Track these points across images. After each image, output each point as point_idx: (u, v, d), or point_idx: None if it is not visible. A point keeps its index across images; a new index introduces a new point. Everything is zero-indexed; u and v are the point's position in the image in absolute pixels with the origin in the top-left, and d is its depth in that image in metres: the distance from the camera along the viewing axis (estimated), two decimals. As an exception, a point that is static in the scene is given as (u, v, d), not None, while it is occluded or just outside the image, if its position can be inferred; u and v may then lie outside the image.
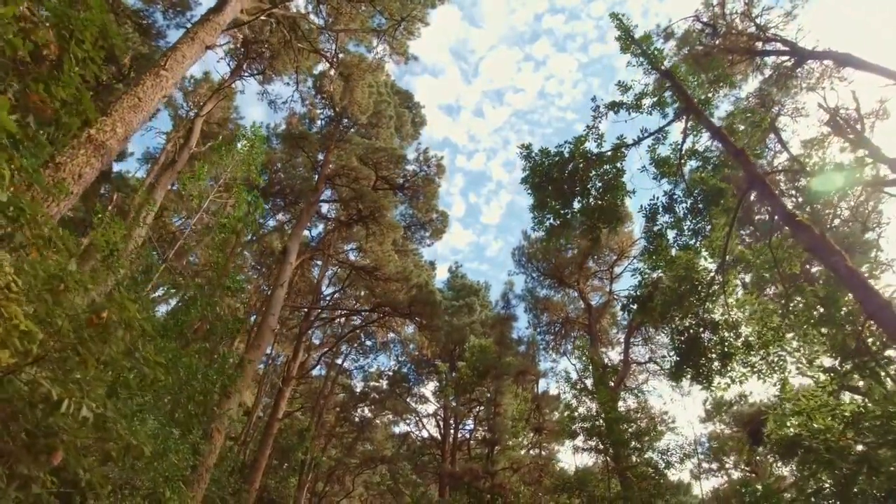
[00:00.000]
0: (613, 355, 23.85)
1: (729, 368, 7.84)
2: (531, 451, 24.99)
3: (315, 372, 38.89)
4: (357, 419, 35.92)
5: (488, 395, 26.16)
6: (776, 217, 6.81)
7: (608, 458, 14.28)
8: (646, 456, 13.49)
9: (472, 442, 30.59)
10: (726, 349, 7.64)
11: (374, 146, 24.03)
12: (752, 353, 7.54)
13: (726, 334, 7.68)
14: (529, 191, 11.04)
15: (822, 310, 7.96)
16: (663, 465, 13.69)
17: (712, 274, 7.37)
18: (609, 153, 10.14)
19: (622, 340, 25.58)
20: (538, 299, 27.46)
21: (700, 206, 9.53)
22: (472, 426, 31.06)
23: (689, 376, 8.37)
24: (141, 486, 6.68)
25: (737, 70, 15.42)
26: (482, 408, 27.30)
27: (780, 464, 18.71)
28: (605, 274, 26.85)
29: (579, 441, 15.55)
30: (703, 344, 7.86)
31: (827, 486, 7.36)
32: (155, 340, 6.17)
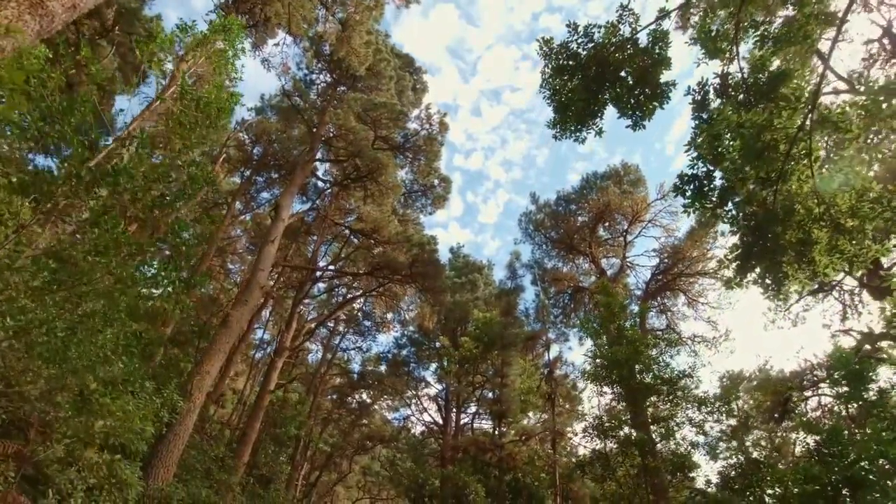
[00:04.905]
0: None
1: (807, 261, 6.36)
2: (542, 427, 23.40)
3: (311, 358, 37.44)
4: (354, 405, 34.34)
5: (492, 370, 24.64)
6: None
7: (635, 411, 12.82)
8: (683, 405, 12.06)
9: (474, 425, 28.99)
10: (807, 235, 6.14)
11: (374, 101, 22.53)
12: (842, 236, 6.04)
13: (806, 218, 6.17)
14: (549, 90, 9.54)
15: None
16: (702, 416, 12.21)
17: (792, 135, 5.87)
18: (648, 36, 8.63)
19: (636, 311, 24.07)
20: (546, 270, 25.93)
21: (752, 98, 8.04)
22: (474, 409, 29.46)
23: (754, 277, 6.89)
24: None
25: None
26: (487, 385, 25.74)
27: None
28: (617, 242, 25.36)
29: (607, 389, 14.01)
30: (775, 232, 6.37)
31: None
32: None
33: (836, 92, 12.57)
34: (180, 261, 5.57)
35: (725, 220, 6.66)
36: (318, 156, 23.46)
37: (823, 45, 11.53)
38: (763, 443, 24.03)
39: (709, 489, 11.49)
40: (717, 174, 6.69)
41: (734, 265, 6.90)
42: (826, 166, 6.08)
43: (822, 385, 19.02)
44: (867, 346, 16.61)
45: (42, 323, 5.24)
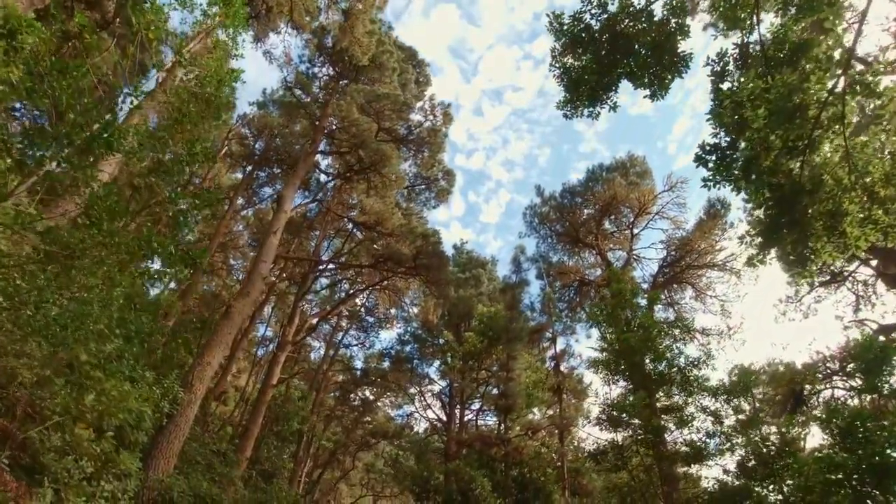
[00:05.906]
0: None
1: (837, 234, 6.04)
2: (549, 421, 23.03)
3: (314, 355, 37.15)
4: (357, 401, 34.05)
5: (496, 366, 24.31)
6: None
7: (649, 399, 12.46)
8: (697, 394, 11.71)
9: (479, 421, 28.64)
10: (837, 206, 5.82)
11: (377, 92, 22.23)
12: (875, 205, 5.74)
13: (836, 188, 5.86)
14: (559, 68, 9.24)
15: None
16: (718, 404, 11.88)
17: (822, 100, 5.56)
18: (663, 7, 8.31)
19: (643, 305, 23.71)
20: (551, 264, 25.60)
21: (772, 71, 7.71)
22: (479, 405, 29.11)
23: (778, 253, 6.59)
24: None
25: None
26: (491, 381, 25.40)
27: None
28: (623, 234, 25.01)
29: (618, 377, 13.67)
30: (802, 204, 6.06)
31: None
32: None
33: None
34: (177, 232, 5.28)
35: (749, 194, 6.35)
36: (321, 148, 23.21)
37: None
38: (773, 438, 23.60)
39: (726, 478, 11.20)
40: (740, 146, 6.39)
41: (757, 241, 6.58)
42: (868, 129, 5.74)
43: (834, 378, 18.63)
44: (882, 338, 16.25)
45: (36, 294, 4.96)
